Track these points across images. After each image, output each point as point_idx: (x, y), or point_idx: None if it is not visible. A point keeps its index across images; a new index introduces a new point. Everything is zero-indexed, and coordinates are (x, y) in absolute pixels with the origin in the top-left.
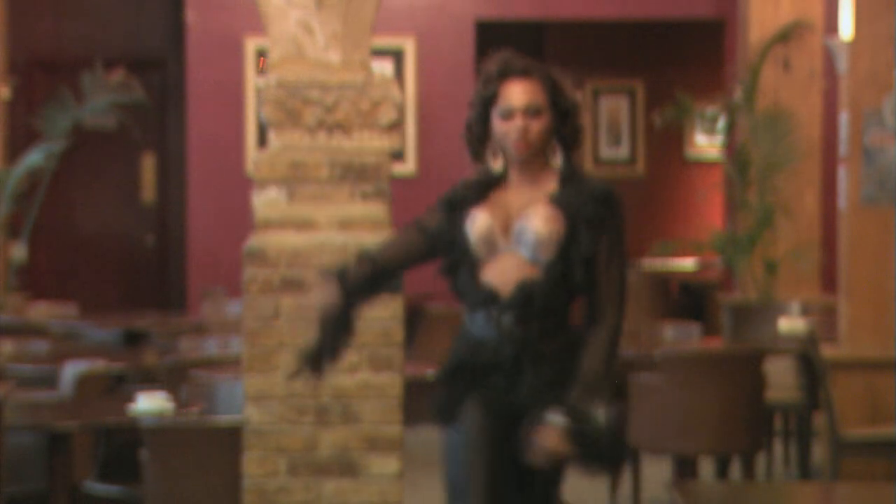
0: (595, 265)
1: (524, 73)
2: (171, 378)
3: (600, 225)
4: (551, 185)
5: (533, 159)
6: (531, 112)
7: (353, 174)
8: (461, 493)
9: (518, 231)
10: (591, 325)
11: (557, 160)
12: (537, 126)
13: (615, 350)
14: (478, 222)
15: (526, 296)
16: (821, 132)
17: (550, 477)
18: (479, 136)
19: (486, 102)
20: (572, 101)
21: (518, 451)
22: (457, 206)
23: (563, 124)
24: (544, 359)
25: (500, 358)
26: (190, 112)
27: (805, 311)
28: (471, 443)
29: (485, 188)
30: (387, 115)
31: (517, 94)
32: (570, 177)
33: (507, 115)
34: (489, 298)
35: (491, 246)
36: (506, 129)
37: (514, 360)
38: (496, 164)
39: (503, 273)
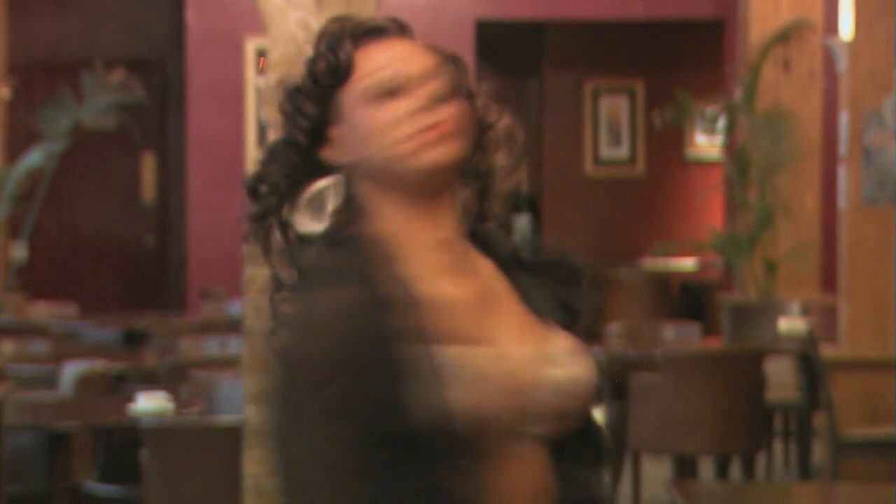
0: None
1: (402, 32)
2: (171, 378)
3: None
4: (482, 264)
5: (443, 192)
6: (439, 94)
7: None
8: None
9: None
10: None
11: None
12: (455, 110)
13: None
14: (469, 387)
15: None
16: (821, 132)
17: None
18: (298, 166)
19: (327, 89)
20: (495, 111)
21: None
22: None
23: (479, 150)
24: None
25: None
26: (190, 112)
27: (805, 311)
28: None
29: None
30: None
31: (404, 55)
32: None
33: (393, 90)
34: None
35: (493, 432)
36: (391, 117)
37: None
38: (316, 221)
39: (522, 481)
